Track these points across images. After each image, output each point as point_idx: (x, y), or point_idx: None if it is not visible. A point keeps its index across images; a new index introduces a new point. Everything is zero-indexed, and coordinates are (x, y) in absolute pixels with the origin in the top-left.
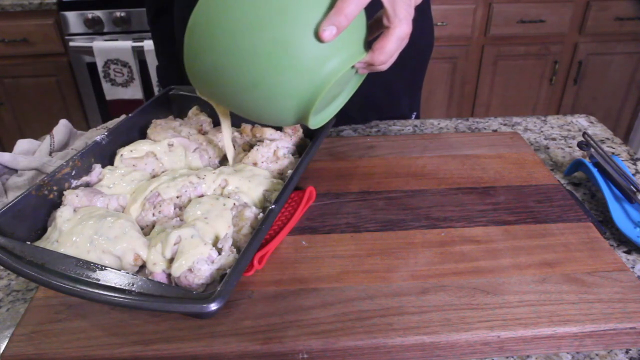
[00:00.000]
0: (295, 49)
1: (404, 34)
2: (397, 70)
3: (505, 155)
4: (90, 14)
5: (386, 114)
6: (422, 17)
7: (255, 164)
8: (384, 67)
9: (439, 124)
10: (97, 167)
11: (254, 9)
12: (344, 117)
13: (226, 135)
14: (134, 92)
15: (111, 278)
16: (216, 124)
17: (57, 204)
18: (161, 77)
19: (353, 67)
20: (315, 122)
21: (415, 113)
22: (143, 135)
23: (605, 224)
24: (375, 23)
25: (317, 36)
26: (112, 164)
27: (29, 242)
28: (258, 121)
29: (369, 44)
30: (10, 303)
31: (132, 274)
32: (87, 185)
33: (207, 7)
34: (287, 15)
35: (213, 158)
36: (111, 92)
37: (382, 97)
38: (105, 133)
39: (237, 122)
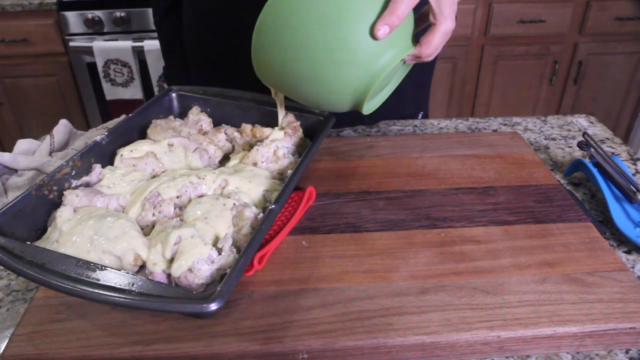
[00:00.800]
0: (353, 45)
1: (449, 29)
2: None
3: (505, 155)
4: (90, 14)
5: (392, 113)
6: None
7: (255, 164)
8: (430, 58)
9: (439, 124)
10: (97, 167)
11: (317, 9)
12: (349, 116)
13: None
14: (134, 92)
15: (111, 278)
16: (216, 124)
17: (57, 204)
18: (168, 77)
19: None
20: (367, 109)
21: (422, 113)
22: (143, 135)
23: (605, 224)
24: (421, 17)
25: (372, 34)
26: (112, 164)
27: (29, 242)
28: (316, 107)
29: (416, 38)
30: (10, 303)
31: (132, 274)
32: (87, 185)
33: (274, 6)
34: (346, 15)
35: (213, 158)
36: (111, 92)
37: (389, 96)
38: (105, 133)
39: (237, 122)
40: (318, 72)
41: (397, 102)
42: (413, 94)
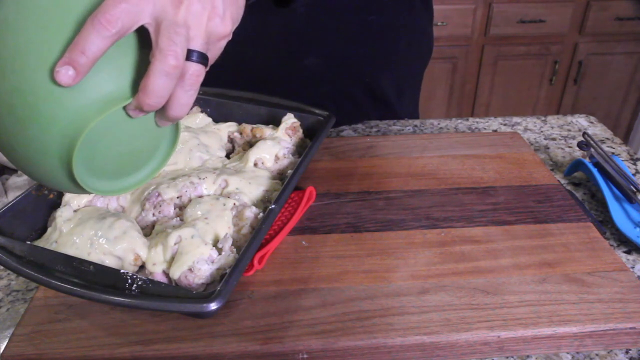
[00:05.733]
0: (34, 97)
1: (170, 67)
2: (387, 82)
3: (505, 155)
4: None
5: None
6: (419, 37)
7: (255, 164)
8: (173, 112)
9: (439, 124)
10: None
11: None
12: (343, 118)
13: None
14: None
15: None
16: (216, 122)
17: (57, 204)
18: None
19: (128, 114)
20: (98, 188)
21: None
22: None
23: (605, 224)
24: None
25: (55, 80)
26: None
27: (28, 242)
28: (47, 186)
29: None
30: (10, 303)
31: (132, 274)
32: None
33: None
34: (22, 58)
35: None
36: None
37: (373, 105)
38: None
39: (237, 122)
40: (10, 141)
41: (383, 111)
42: (400, 102)
